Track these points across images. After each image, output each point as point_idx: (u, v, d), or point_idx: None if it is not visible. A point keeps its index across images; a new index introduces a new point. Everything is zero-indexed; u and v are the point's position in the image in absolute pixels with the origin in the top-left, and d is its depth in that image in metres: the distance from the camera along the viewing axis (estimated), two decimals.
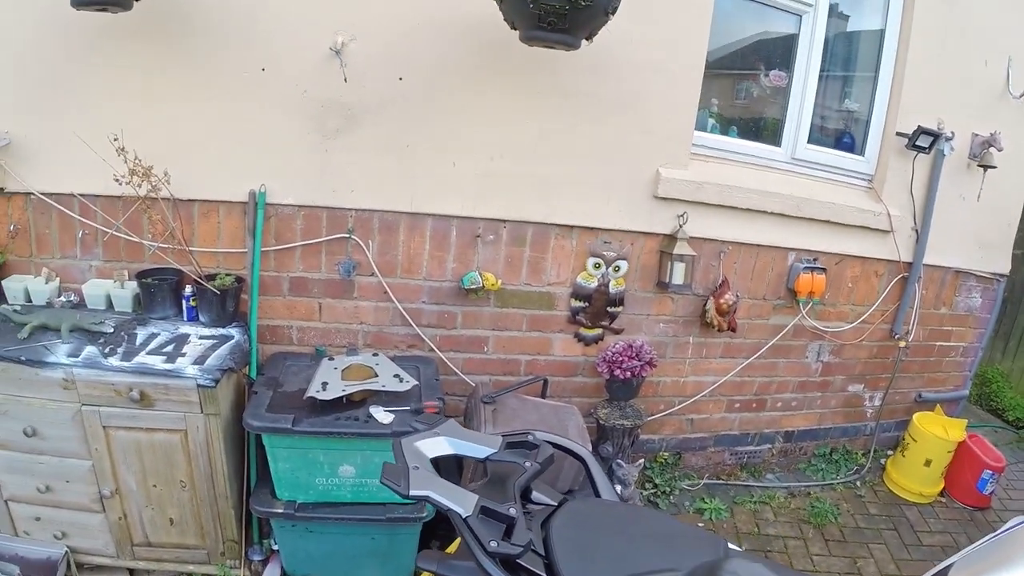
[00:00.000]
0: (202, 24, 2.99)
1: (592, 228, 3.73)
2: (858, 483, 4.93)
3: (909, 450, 4.85)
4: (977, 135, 4.57)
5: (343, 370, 3.15)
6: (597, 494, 2.17)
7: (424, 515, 3.03)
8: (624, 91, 3.55)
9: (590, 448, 3.21)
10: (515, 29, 2.80)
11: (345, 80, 3.13)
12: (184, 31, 2.97)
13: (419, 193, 3.43)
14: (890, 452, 5.24)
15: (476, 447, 1.99)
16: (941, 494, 4.93)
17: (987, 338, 5.47)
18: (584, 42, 2.82)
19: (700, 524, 4.11)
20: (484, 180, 3.48)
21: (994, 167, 4.54)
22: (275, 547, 3.24)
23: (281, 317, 3.50)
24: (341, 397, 2.93)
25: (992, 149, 4.49)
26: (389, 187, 3.39)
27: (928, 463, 4.76)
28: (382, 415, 2.93)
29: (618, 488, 3.70)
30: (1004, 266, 5.19)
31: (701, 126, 3.99)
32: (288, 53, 3.10)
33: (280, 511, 2.97)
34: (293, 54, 3.11)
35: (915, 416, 4.92)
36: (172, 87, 3.04)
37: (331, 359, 3.27)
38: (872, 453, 5.18)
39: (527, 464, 1.93)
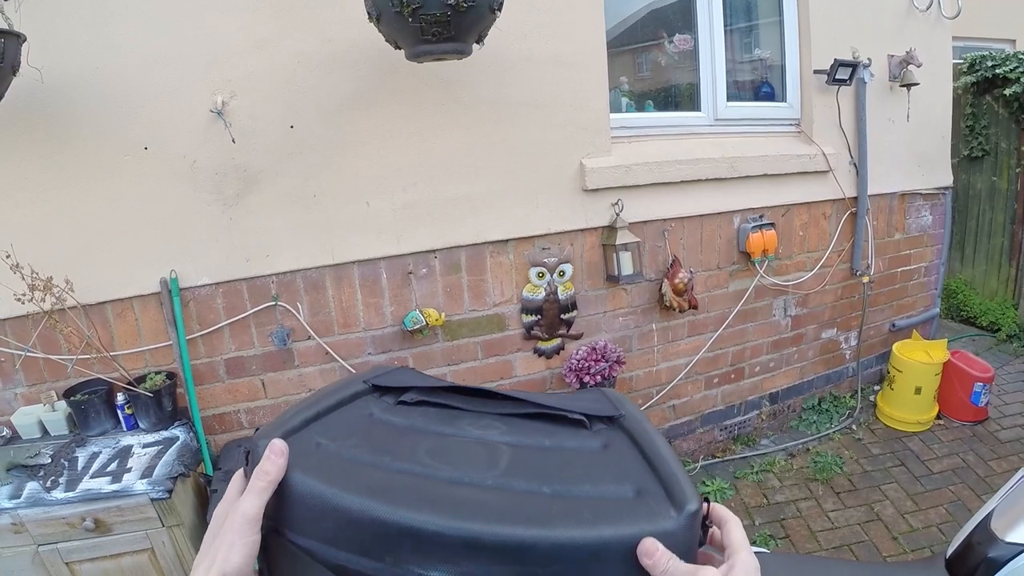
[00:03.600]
0: (74, 117, 2.69)
1: (527, 237, 3.47)
2: (854, 427, 4.78)
3: (896, 382, 4.73)
4: (893, 56, 4.44)
5: None
6: None
7: None
8: (529, 88, 3.30)
9: None
10: (399, 48, 2.55)
11: (233, 141, 2.84)
12: (56, 126, 2.68)
13: (338, 242, 3.15)
14: (877, 388, 5.13)
15: None
16: (938, 417, 4.83)
17: (945, 253, 5.33)
18: (475, 46, 2.58)
19: None
20: (403, 213, 3.21)
21: (917, 84, 4.42)
22: None
23: (225, 403, 3.20)
24: None
25: (911, 67, 4.36)
26: (305, 243, 3.11)
27: (918, 390, 4.66)
28: None
29: None
30: (946, 179, 5.08)
31: (616, 107, 3.76)
32: (168, 125, 2.81)
33: None
34: (173, 125, 2.82)
35: (895, 346, 4.80)
36: (57, 188, 2.74)
37: None
38: (860, 393, 5.04)
39: None
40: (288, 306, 3.14)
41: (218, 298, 3.05)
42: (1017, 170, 6.23)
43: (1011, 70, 5.90)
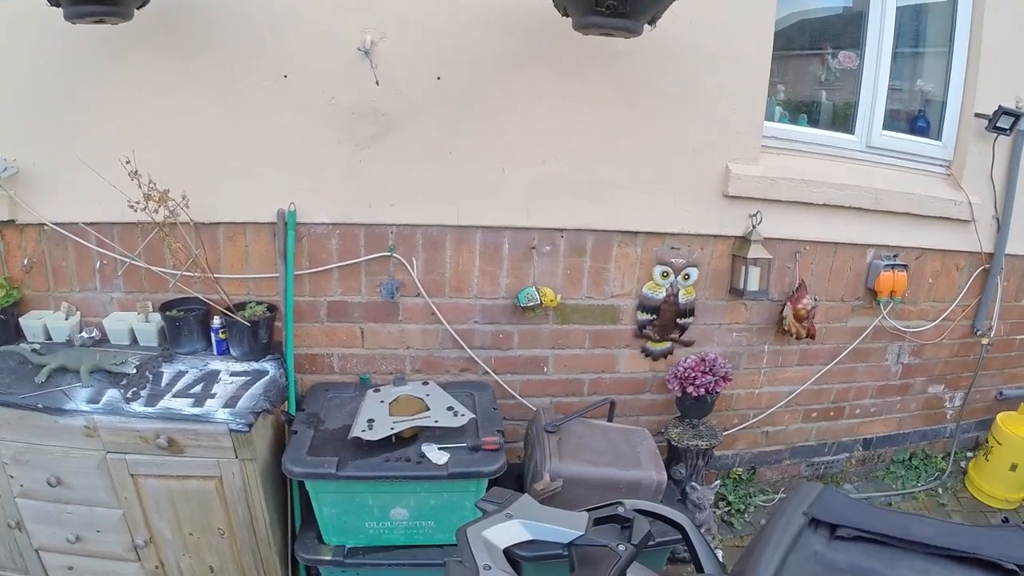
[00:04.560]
0: (215, 30, 2.64)
1: (658, 233, 3.33)
2: (939, 490, 4.53)
3: (993, 454, 4.44)
4: None
5: (391, 403, 2.80)
6: (699, 568, 1.75)
7: None
8: (688, 81, 3.14)
9: (664, 477, 2.89)
10: (567, 16, 2.43)
11: (377, 83, 2.76)
12: (194, 39, 2.63)
13: (466, 204, 3.05)
14: (970, 454, 4.85)
15: (558, 530, 1.59)
16: None
17: None
18: (646, 27, 2.43)
19: None
20: (537, 186, 3.09)
21: None
22: None
23: (320, 345, 3.14)
24: (390, 436, 2.58)
25: None
26: (432, 199, 3.01)
27: (1014, 467, 4.35)
28: (436, 454, 2.58)
29: (693, 512, 3.40)
30: None
31: (769, 116, 3.56)
32: (312, 56, 2.74)
33: (328, 558, 2.66)
34: (318, 57, 2.74)
35: (999, 417, 4.52)
36: (186, 101, 2.71)
37: (377, 390, 2.91)
38: (953, 456, 4.76)
39: (621, 547, 1.52)
40: (403, 259, 3.06)
41: (333, 239, 2.99)
42: None
43: None
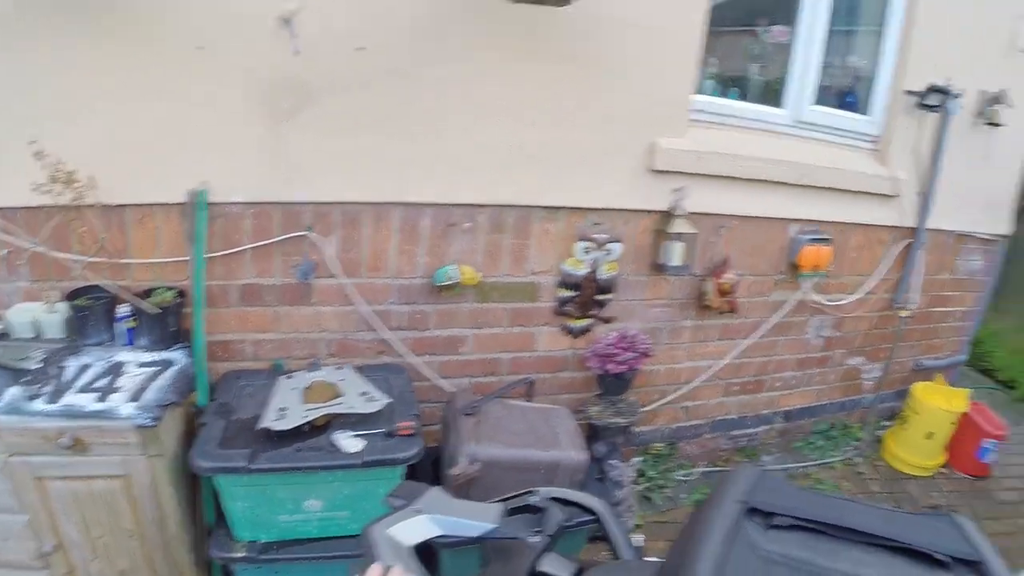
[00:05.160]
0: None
1: (581, 208, 3.30)
2: (857, 459, 4.71)
3: (910, 423, 4.64)
4: (985, 92, 4.25)
5: (304, 390, 2.72)
6: (615, 555, 1.74)
7: None
8: (616, 53, 3.10)
9: (585, 457, 2.89)
10: None
11: (297, 52, 2.60)
12: (101, 6, 2.44)
13: (386, 179, 2.96)
14: (887, 423, 5.03)
15: (469, 523, 1.52)
16: (943, 465, 4.77)
17: (986, 301, 5.21)
18: None
19: None
20: (458, 161, 3.02)
21: (1002, 125, 4.25)
22: None
23: (232, 331, 3.03)
24: (302, 424, 2.51)
25: (1000, 106, 4.20)
26: (351, 175, 2.91)
27: (930, 436, 4.58)
28: (350, 442, 2.52)
29: (613, 489, 3.41)
30: (1006, 227, 4.92)
31: (699, 89, 3.56)
32: (229, 26, 2.57)
33: (241, 555, 2.57)
34: (235, 27, 2.58)
35: (916, 388, 4.70)
36: (92, 77, 2.52)
37: (290, 377, 2.83)
38: (870, 426, 4.93)
39: (534, 539, 1.49)
40: (320, 238, 2.96)
41: (247, 219, 2.86)
42: None
43: None
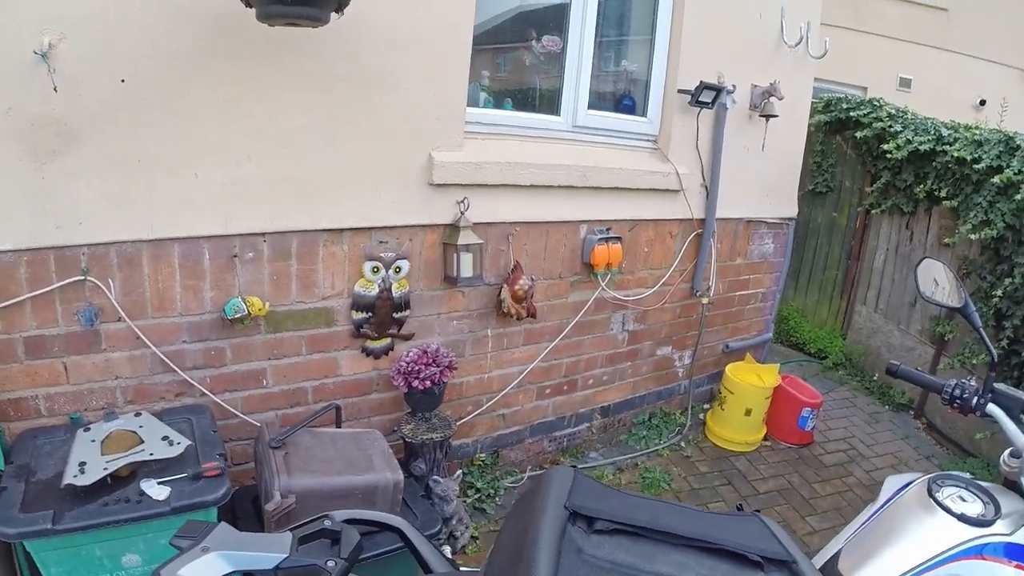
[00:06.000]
0: None
1: (364, 228, 3.38)
2: (682, 444, 5.01)
3: (727, 403, 4.99)
4: (757, 86, 4.68)
5: (102, 442, 2.66)
6: (426, 569, 1.76)
7: None
8: (387, 69, 3.23)
9: (401, 476, 2.94)
10: (251, 6, 2.42)
11: (55, 89, 2.56)
12: None
13: (159, 215, 2.93)
14: (707, 406, 5.39)
15: (260, 556, 1.49)
16: (765, 438, 5.13)
17: (783, 281, 5.63)
18: (334, 15, 2.50)
19: None
20: (234, 189, 3.04)
21: (776, 116, 4.67)
22: None
23: (22, 387, 2.91)
24: (104, 477, 2.46)
25: (773, 99, 4.60)
26: (123, 213, 2.87)
27: (748, 412, 4.93)
28: (156, 490, 2.49)
29: (441, 505, 3.50)
30: (791, 210, 5.39)
31: (473, 101, 3.74)
32: None
33: None
34: None
35: (728, 368, 5.06)
36: None
37: (87, 430, 2.76)
38: (690, 411, 5.26)
39: (331, 563, 1.47)
40: (99, 282, 2.90)
41: (21, 267, 2.75)
42: (858, 208, 6.70)
43: (864, 115, 6.37)
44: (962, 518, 2.10)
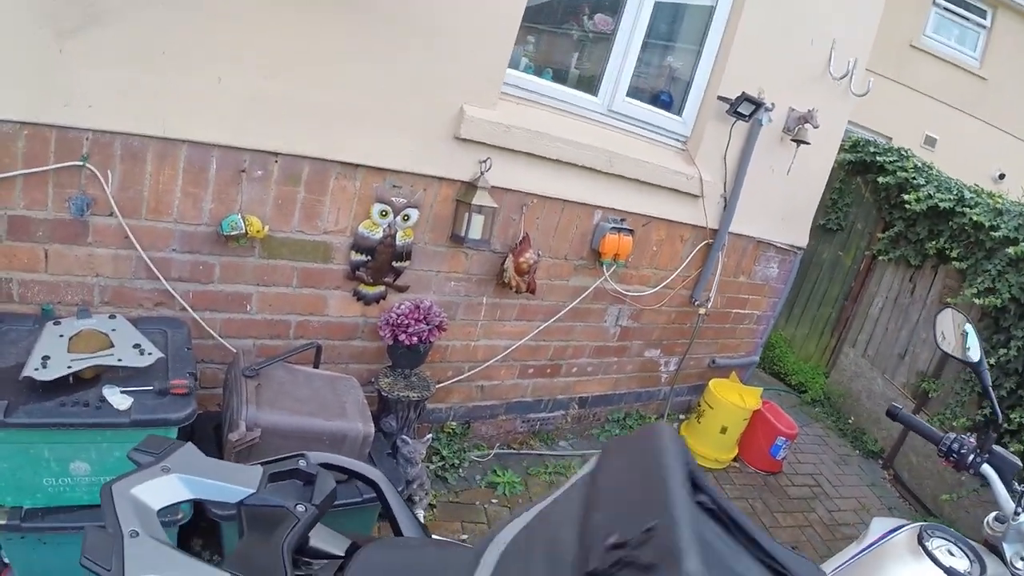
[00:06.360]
0: None
1: (381, 169, 3.26)
2: None
3: (705, 416, 4.95)
4: (794, 110, 4.60)
5: (71, 339, 2.53)
6: (397, 531, 1.62)
7: (180, 518, 2.51)
8: (432, 14, 3.11)
9: (372, 429, 2.85)
10: None
11: None
12: None
13: (174, 114, 2.79)
14: (683, 416, 5.34)
15: (224, 487, 1.35)
16: (735, 459, 5.08)
17: (780, 307, 5.59)
18: None
19: (493, 500, 3.89)
20: (255, 103, 2.91)
21: (807, 143, 4.60)
22: (7, 560, 2.59)
23: None
24: (67, 376, 2.33)
25: (807, 125, 4.53)
26: (137, 104, 2.72)
27: (724, 430, 4.88)
28: (118, 398, 2.36)
29: (405, 467, 3.36)
30: (803, 239, 5.34)
31: (513, 64, 3.62)
32: None
33: (3, 523, 2.36)
34: None
35: (711, 383, 5.01)
36: None
37: (57, 323, 2.63)
38: (666, 418, 5.21)
39: (300, 508, 1.34)
40: (97, 171, 2.75)
41: (20, 140, 2.61)
42: (865, 252, 6.67)
43: (890, 161, 6.37)
44: (950, 571, 2.05)
